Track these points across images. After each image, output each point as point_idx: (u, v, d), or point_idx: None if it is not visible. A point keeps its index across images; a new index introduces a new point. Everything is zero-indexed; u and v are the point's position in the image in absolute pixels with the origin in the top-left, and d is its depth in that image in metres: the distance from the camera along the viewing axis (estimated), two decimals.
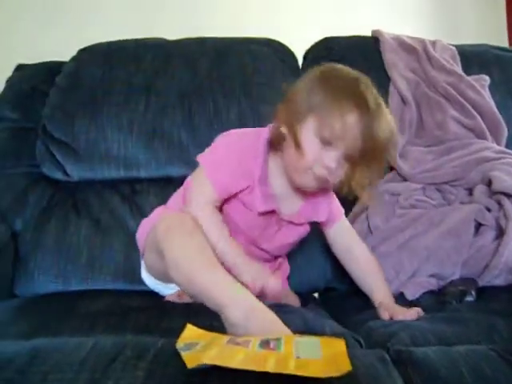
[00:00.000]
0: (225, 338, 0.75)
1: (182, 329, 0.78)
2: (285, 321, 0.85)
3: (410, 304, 1.10)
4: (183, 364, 0.63)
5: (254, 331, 0.78)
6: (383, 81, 1.48)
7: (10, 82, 1.55)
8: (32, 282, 1.25)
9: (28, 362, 0.67)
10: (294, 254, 1.29)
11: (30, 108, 1.48)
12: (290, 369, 0.60)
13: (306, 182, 0.99)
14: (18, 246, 1.30)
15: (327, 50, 1.58)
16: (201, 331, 0.79)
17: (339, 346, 0.73)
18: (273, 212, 1.05)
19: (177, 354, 0.69)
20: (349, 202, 1.23)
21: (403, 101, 1.44)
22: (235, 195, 1.03)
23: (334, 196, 1.15)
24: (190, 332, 0.77)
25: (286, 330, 0.80)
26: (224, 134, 1.09)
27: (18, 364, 0.66)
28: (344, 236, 1.17)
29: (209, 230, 0.95)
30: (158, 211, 1.13)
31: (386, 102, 1.41)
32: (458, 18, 2.39)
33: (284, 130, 0.99)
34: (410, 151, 1.37)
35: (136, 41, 1.54)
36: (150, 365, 0.65)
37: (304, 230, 1.13)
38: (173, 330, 0.79)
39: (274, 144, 1.03)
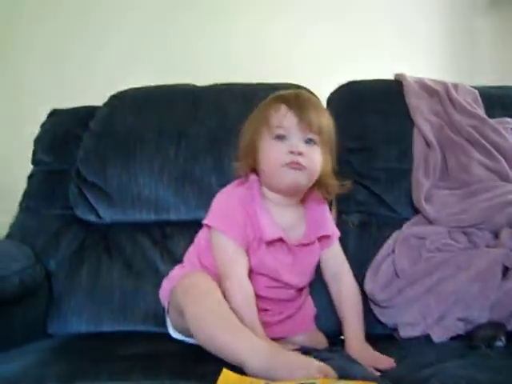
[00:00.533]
0: (261, 383, 0.76)
1: (217, 374, 0.80)
2: None
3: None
4: None
5: (280, 375, 0.80)
6: (407, 124, 1.50)
7: (44, 126, 1.61)
8: (65, 323, 1.29)
9: None
10: (321, 295, 1.31)
11: (64, 151, 1.54)
12: None
13: (289, 176, 1.07)
14: (52, 287, 1.34)
15: (351, 94, 1.61)
16: (237, 376, 0.80)
17: None
18: (282, 241, 1.10)
19: None
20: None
21: (427, 144, 1.46)
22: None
23: (330, 215, 1.24)
24: (227, 377, 0.79)
25: (313, 363, 0.82)
26: (219, 192, 1.17)
27: None
28: (336, 259, 1.24)
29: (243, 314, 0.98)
30: (176, 272, 1.18)
31: (410, 146, 1.45)
32: (476, 57, 2.42)
33: (251, 152, 1.12)
34: (435, 194, 1.38)
35: (166, 87, 1.59)
36: None
37: (316, 249, 1.18)
38: (208, 375, 0.82)
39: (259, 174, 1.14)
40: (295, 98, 1.11)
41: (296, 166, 1.06)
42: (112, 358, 0.96)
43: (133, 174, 1.42)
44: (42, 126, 1.62)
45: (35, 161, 1.57)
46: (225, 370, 0.80)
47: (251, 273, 1.09)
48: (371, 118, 1.53)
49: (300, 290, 1.20)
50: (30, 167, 1.57)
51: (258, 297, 1.07)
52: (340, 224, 1.47)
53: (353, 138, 1.52)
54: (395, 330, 1.25)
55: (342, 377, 0.82)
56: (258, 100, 1.44)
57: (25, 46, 2.29)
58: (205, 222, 1.13)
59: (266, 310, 1.11)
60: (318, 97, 1.59)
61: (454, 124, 1.48)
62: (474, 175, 1.40)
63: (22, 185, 1.54)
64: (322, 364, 0.83)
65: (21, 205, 1.51)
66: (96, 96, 1.60)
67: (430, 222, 1.36)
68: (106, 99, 1.60)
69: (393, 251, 1.32)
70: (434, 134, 1.47)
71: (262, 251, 1.09)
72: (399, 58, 2.30)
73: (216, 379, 0.78)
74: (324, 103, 1.62)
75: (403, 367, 1.01)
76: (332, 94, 1.65)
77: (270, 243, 1.10)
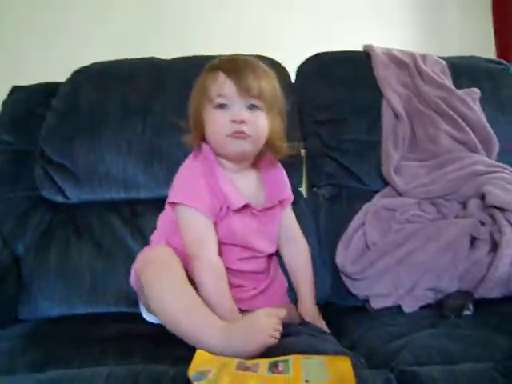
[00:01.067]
0: (234, 363, 0.77)
1: (191, 355, 0.80)
2: (286, 344, 0.88)
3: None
4: None
5: (241, 346, 0.84)
6: (375, 96, 1.51)
7: (5, 104, 1.55)
8: (35, 307, 1.27)
9: None
10: None
11: (27, 131, 1.49)
12: None
13: (233, 146, 1.08)
14: (21, 271, 1.31)
15: (319, 65, 1.60)
16: (210, 356, 0.81)
17: (345, 365, 0.76)
18: (246, 207, 1.11)
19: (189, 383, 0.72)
20: None
21: (396, 116, 1.46)
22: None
23: (286, 177, 1.25)
24: (200, 358, 0.79)
25: (259, 314, 0.87)
26: (180, 168, 1.16)
27: None
28: (291, 223, 1.27)
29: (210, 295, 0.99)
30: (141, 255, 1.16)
31: (379, 117, 1.46)
32: (444, 29, 2.41)
33: (198, 123, 1.11)
34: (404, 166, 1.40)
35: (130, 61, 1.55)
36: None
37: (278, 213, 1.21)
38: (183, 357, 0.82)
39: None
40: (232, 63, 1.09)
41: (239, 135, 1.06)
42: (84, 342, 0.95)
43: (99, 152, 1.39)
44: (3, 104, 1.56)
45: None
46: (198, 351, 0.81)
47: (222, 245, 1.09)
48: (339, 90, 1.53)
49: (269, 259, 1.21)
50: None
51: (231, 271, 1.08)
52: (311, 197, 1.49)
53: (321, 110, 1.52)
54: (366, 301, 1.27)
55: (312, 353, 0.84)
56: None
57: None
58: (169, 200, 1.12)
59: (239, 286, 1.12)
60: (289, 69, 1.59)
61: (422, 95, 1.49)
62: (441, 146, 1.41)
63: None
64: (266, 309, 0.89)
65: None
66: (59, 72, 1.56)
67: (400, 193, 1.38)
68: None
69: (363, 224, 1.34)
70: (403, 106, 1.48)
71: (229, 219, 1.10)
72: (369, 29, 2.28)
73: (190, 361, 0.78)
74: (293, 75, 1.61)
75: (375, 338, 1.03)
76: (301, 66, 1.64)
77: (237, 211, 1.10)
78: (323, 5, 2.33)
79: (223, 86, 1.06)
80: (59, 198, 1.40)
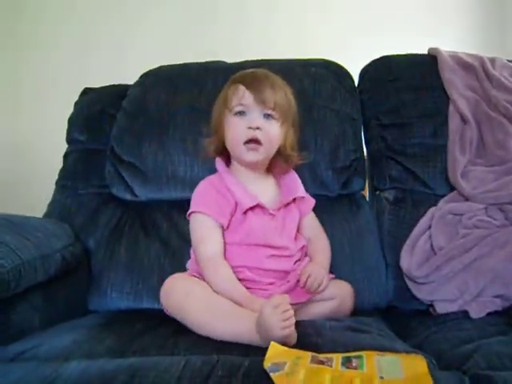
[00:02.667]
0: (308, 356, 0.78)
1: (262, 349, 0.82)
2: (355, 340, 0.89)
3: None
4: None
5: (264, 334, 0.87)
6: (442, 99, 1.49)
7: (77, 105, 1.63)
8: (105, 299, 1.32)
9: (128, 380, 0.73)
10: (355, 272, 1.32)
11: (98, 130, 1.56)
12: None
13: (247, 156, 1.17)
14: (91, 264, 1.36)
15: (384, 68, 1.59)
16: (284, 348, 0.82)
17: (421, 365, 0.75)
18: (261, 208, 1.18)
19: (265, 374, 0.73)
20: None
21: (463, 120, 1.44)
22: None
23: (299, 181, 1.29)
24: (275, 349, 0.81)
25: (278, 329, 0.86)
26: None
27: (120, 381, 0.73)
28: (313, 225, 1.31)
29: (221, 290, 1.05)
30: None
31: (446, 121, 1.44)
32: (507, 30, 2.36)
33: (218, 129, 1.21)
34: (471, 171, 1.37)
35: (198, 64, 1.59)
36: None
37: (295, 212, 1.25)
38: (253, 348, 0.86)
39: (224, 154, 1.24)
40: (252, 77, 1.19)
41: (253, 147, 1.15)
42: (156, 335, 0.98)
43: (167, 151, 1.44)
44: (75, 104, 1.63)
45: (69, 140, 1.59)
46: (272, 343, 0.82)
47: (246, 247, 1.15)
48: (405, 93, 1.52)
49: (298, 260, 1.22)
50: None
51: (262, 270, 1.14)
52: (375, 200, 1.48)
53: (387, 114, 1.52)
54: (431, 306, 1.26)
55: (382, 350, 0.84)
56: (293, 75, 1.44)
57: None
58: (187, 215, 1.20)
59: (271, 283, 1.15)
60: (351, 74, 1.59)
61: (491, 99, 1.45)
62: (511, 152, 1.38)
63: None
64: (269, 301, 0.89)
65: (57, 184, 1.53)
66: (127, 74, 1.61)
67: (466, 198, 1.35)
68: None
69: (429, 228, 1.32)
70: (470, 110, 1.45)
71: (249, 221, 1.17)
72: (427, 33, 2.26)
73: (262, 353, 0.79)
74: (356, 78, 1.62)
75: (442, 341, 1.02)
76: (365, 69, 1.64)
77: (252, 212, 1.17)
78: (375, 8, 2.34)
79: (243, 97, 1.16)
80: (128, 196, 1.46)
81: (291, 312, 0.88)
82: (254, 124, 1.14)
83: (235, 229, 1.16)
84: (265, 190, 1.24)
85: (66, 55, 2.43)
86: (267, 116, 1.16)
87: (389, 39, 2.13)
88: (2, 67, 2.55)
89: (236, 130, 1.16)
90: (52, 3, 2.53)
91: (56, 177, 1.55)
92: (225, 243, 1.15)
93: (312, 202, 1.31)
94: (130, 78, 1.62)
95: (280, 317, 0.86)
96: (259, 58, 1.58)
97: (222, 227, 1.16)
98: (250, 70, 1.24)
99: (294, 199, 1.25)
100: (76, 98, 1.66)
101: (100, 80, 1.70)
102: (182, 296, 1.03)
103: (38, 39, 2.54)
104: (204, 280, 1.10)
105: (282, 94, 1.19)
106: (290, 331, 0.87)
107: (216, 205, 1.16)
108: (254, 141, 1.15)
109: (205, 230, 1.15)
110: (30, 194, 2.19)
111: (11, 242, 1.04)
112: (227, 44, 2.08)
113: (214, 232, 1.15)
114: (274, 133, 1.17)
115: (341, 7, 2.33)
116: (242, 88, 1.17)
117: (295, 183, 1.28)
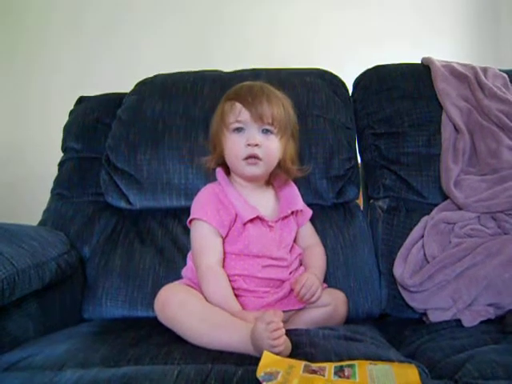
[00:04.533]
0: (301, 365, 0.78)
1: (255, 358, 0.83)
2: (349, 349, 0.89)
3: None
4: None
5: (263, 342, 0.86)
6: (435, 109, 1.50)
7: (73, 113, 1.63)
8: (100, 308, 1.31)
9: None
10: (349, 280, 1.33)
11: (93, 138, 1.56)
12: None
13: (247, 171, 1.17)
14: (86, 272, 1.37)
15: (378, 78, 1.60)
16: (277, 357, 0.83)
17: (413, 374, 0.76)
18: (260, 220, 1.18)
19: (258, 383, 0.74)
20: None
21: (456, 129, 1.45)
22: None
23: (299, 193, 1.30)
24: (268, 358, 0.81)
25: (268, 345, 0.85)
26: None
27: None
28: (310, 235, 1.32)
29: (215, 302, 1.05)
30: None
31: (439, 130, 1.45)
32: (501, 41, 2.38)
33: (217, 146, 1.22)
34: (464, 180, 1.38)
35: (193, 73, 1.60)
36: None
37: (292, 224, 1.26)
38: (247, 357, 0.86)
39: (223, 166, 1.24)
40: (247, 92, 1.17)
41: (252, 162, 1.15)
42: (150, 343, 0.98)
43: (162, 160, 1.44)
44: (71, 113, 1.64)
45: (65, 148, 1.59)
46: (266, 352, 0.83)
47: (244, 257, 1.16)
48: (399, 102, 1.53)
49: (294, 271, 1.23)
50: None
51: (258, 279, 1.15)
52: (368, 209, 1.49)
53: (380, 123, 1.53)
54: (424, 314, 1.27)
55: (377, 359, 0.84)
56: (289, 85, 1.45)
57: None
58: (188, 221, 1.21)
59: (266, 292, 1.16)
60: (345, 83, 1.60)
61: (483, 109, 1.47)
62: (503, 161, 1.39)
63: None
64: (261, 316, 0.89)
65: (52, 192, 1.53)
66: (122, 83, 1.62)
67: (459, 207, 1.36)
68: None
69: (422, 236, 1.33)
70: (463, 119, 1.47)
71: (248, 232, 1.17)
72: (422, 45, 2.27)
73: (254, 362, 0.80)
74: (349, 87, 1.63)
75: (436, 350, 1.02)
76: (358, 78, 1.65)
77: (251, 223, 1.17)
78: (371, 20, 2.36)
79: (239, 114, 1.15)
80: (123, 204, 1.46)
81: (282, 331, 0.88)
82: (253, 141, 1.14)
83: (234, 239, 1.17)
84: (264, 201, 1.24)
85: (69, 65, 2.43)
86: (265, 131, 1.16)
87: (384, 51, 2.14)
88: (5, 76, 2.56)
89: (235, 147, 1.17)
90: (55, 19, 2.55)
91: (51, 185, 1.55)
92: (223, 252, 1.16)
93: (309, 212, 1.31)
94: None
95: (270, 335, 0.86)
96: (255, 67, 1.59)
97: (221, 236, 1.16)
98: (246, 84, 1.23)
99: (293, 212, 1.25)
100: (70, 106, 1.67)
101: (102, 91, 1.71)
102: (176, 308, 1.02)
103: (42, 55, 2.56)
104: (198, 288, 1.11)
105: (279, 106, 1.18)
106: (279, 350, 0.86)
107: (217, 213, 1.16)
108: (252, 157, 1.15)
109: (205, 239, 1.15)
110: (25, 201, 2.19)
111: (5, 250, 1.04)
112: (227, 55, 2.09)
113: (214, 241, 1.15)
114: (273, 148, 1.18)
115: (336, 19, 2.35)
116: (238, 105, 1.16)
117: (294, 196, 1.28)
